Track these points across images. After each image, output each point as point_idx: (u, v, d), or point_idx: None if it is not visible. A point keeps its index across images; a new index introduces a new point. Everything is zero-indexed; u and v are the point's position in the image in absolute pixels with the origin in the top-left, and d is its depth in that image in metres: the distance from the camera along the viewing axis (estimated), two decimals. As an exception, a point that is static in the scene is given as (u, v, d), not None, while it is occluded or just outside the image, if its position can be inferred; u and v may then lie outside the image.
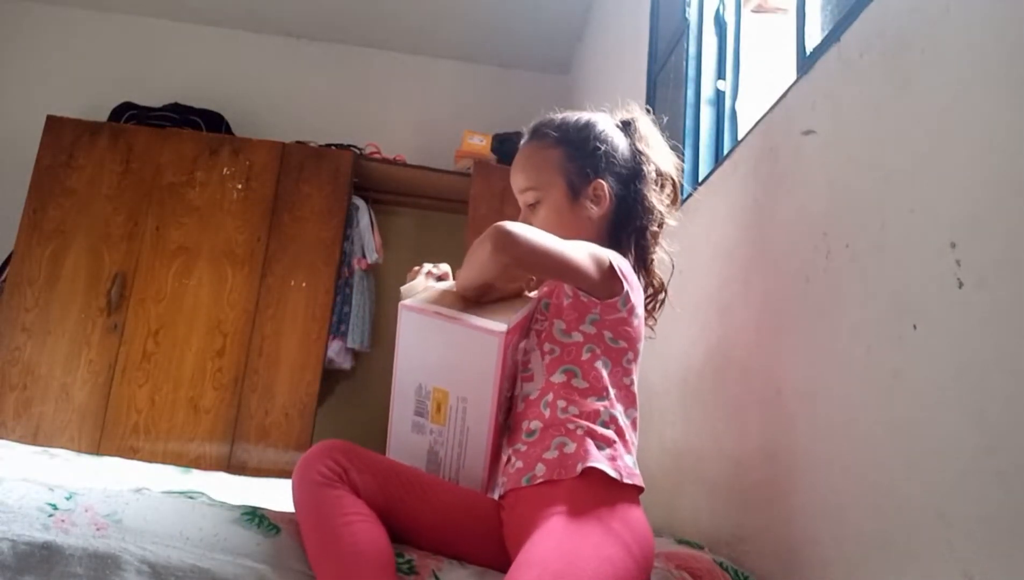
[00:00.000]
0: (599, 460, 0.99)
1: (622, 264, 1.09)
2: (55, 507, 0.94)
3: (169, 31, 3.75)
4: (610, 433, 1.04)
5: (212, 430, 2.89)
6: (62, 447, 2.32)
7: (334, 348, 3.16)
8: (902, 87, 0.92)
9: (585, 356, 1.08)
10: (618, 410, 1.07)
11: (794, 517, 1.06)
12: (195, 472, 1.85)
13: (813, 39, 1.23)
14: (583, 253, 1.04)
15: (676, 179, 1.25)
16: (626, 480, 0.99)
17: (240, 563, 0.91)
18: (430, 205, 3.62)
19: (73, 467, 1.61)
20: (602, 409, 1.05)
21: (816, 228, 1.09)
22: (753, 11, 1.83)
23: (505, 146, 3.22)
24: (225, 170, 3.11)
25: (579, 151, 1.19)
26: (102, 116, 3.33)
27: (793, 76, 1.25)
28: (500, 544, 1.04)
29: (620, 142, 1.21)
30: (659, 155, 1.23)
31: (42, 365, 2.88)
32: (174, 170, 3.09)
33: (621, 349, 1.09)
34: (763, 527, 1.15)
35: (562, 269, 1.03)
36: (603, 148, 1.19)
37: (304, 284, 3.02)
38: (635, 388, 1.12)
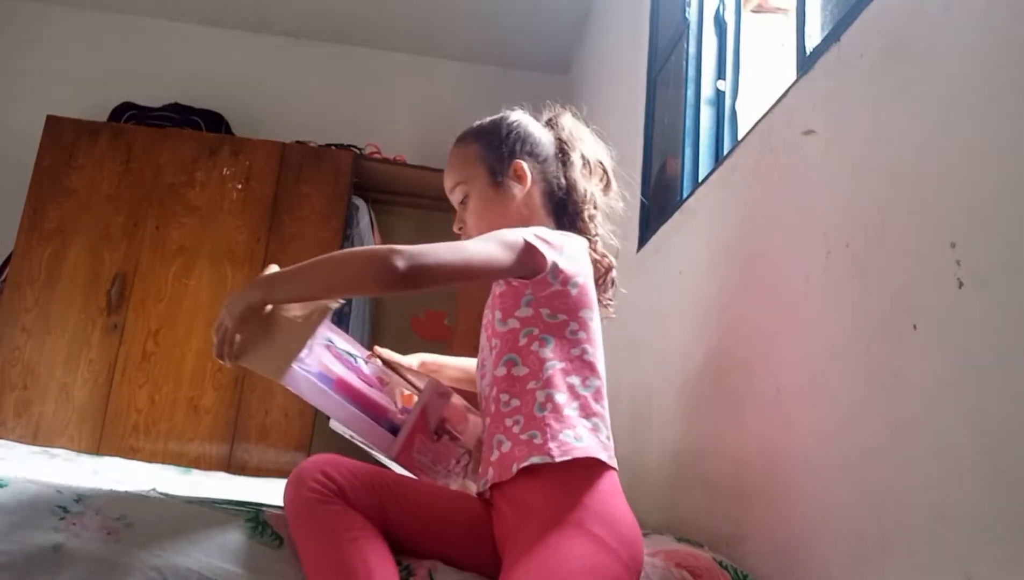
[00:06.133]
0: (530, 455, 0.99)
1: (543, 235, 1.08)
2: (65, 510, 0.94)
3: (169, 31, 3.75)
4: (544, 415, 1.02)
5: (212, 430, 2.89)
6: (62, 447, 2.32)
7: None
8: (902, 87, 0.92)
9: (522, 341, 1.07)
10: (559, 385, 1.04)
11: (794, 517, 1.06)
12: (195, 472, 1.85)
13: (813, 39, 1.23)
14: (487, 244, 1.04)
15: (606, 164, 1.29)
16: (558, 459, 0.97)
17: (245, 575, 0.92)
18: (430, 205, 3.62)
19: (73, 467, 1.62)
20: (538, 392, 1.04)
21: (816, 228, 1.09)
22: (753, 11, 1.83)
23: (505, 146, 3.22)
24: (225, 170, 3.11)
25: (494, 140, 1.24)
26: (102, 116, 3.33)
27: (793, 76, 1.25)
28: (494, 547, 1.04)
29: (538, 132, 1.27)
30: (584, 143, 1.28)
31: (42, 365, 2.88)
32: (174, 170, 3.09)
33: (561, 322, 1.08)
34: (763, 527, 1.15)
35: (468, 272, 1.03)
36: (517, 132, 1.25)
37: (304, 284, 3.02)
38: (593, 356, 1.10)
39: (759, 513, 1.17)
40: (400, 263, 0.95)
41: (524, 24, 3.51)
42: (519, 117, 1.29)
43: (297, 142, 3.26)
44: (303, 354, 1.03)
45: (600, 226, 1.24)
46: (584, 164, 1.26)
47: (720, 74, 1.82)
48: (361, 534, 0.93)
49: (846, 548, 0.93)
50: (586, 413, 1.04)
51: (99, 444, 2.80)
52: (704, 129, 1.81)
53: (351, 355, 1.17)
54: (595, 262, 1.21)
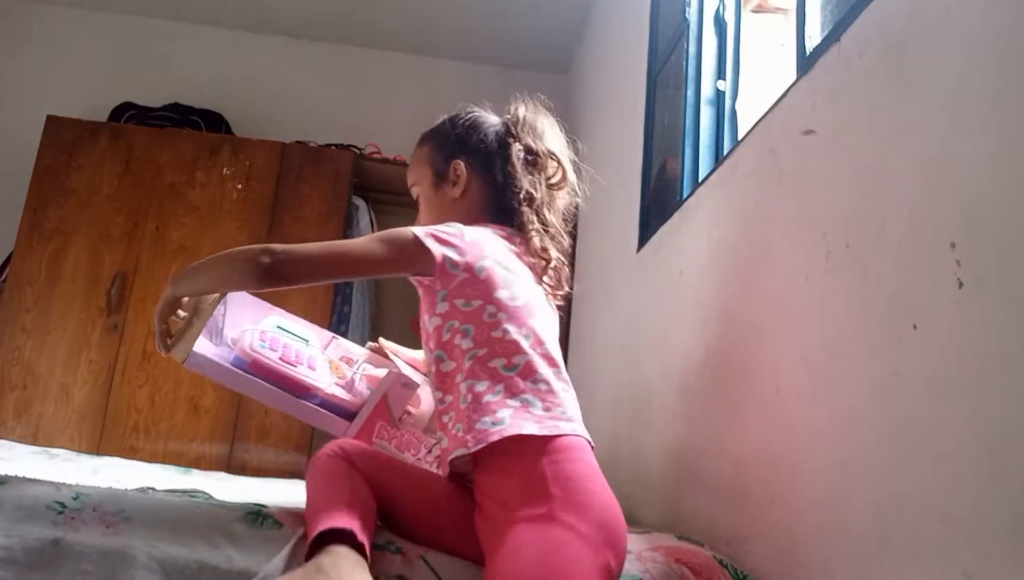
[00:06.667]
0: (456, 449, 1.02)
1: (437, 230, 1.10)
2: (63, 506, 0.95)
3: (169, 31, 3.75)
4: (466, 406, 1.03)
5: (212, 430, 2.89)
6: (62, 447, 2.32)
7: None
8: (902, 87, 0.93)
9: (446, 337, 1.09)
10: (480, 373, 1.05)
11: (794, 517, 1.06)
12: (195, 472, 1.85)
13: (813, 39, 1.23)
14: (367, 241, 1.09)
15: (560, 157, 1.27)
16: (473, 448, 0.98)
17: (246, 560, 0.92)
18: (430, 205, 3.62)
19: (73, 467, 1.62)
20: (462, 385, 1.06)
21: (816, 228, 1.09)
22: (753, 11, 1.83)
23: (505, 146, 3.22)
24: (225, 170, 3.11)
25: (439, 140, 1.29)
26: (102, 116, 3.33)
27: (793, 76, 1.25)
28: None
29: (485, 127, 1.27)
30: (534, 135, 1.26)
31: (42, 365, 2.88)
32: (174, 170, 3.09)
33: (478, 308, 1.08)
34: (763, 527, 1.15)
35: (341, 267, 1.09)
36: (459, 131, 1.27)
37: (304, 284, 3.02)
38: (518, 333, 1.07)
39: (759, 513, 1.17)
40: (266, 259, 1.02)
41: (524, 24, 3.52)
42: (466, 115, 1.30)
43: (297, 142, 3.26)
44: (216, 340, 1.13)
45: (542, 222, 1.21)
46: (527, 157, 1.24)
47: (720, 74, 1.82)
48: (352, 477, 1.00)
49: (846, 548, 0.93)
50: (513, 392, 1.03)
51: (99, 444, 2.80)
52: (704, 129, 1.81)
53: (302, 339, 1.23)
54: (535, 257, 1.19)
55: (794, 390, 1.11)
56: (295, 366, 1.17)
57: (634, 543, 1.15)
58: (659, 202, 2.02)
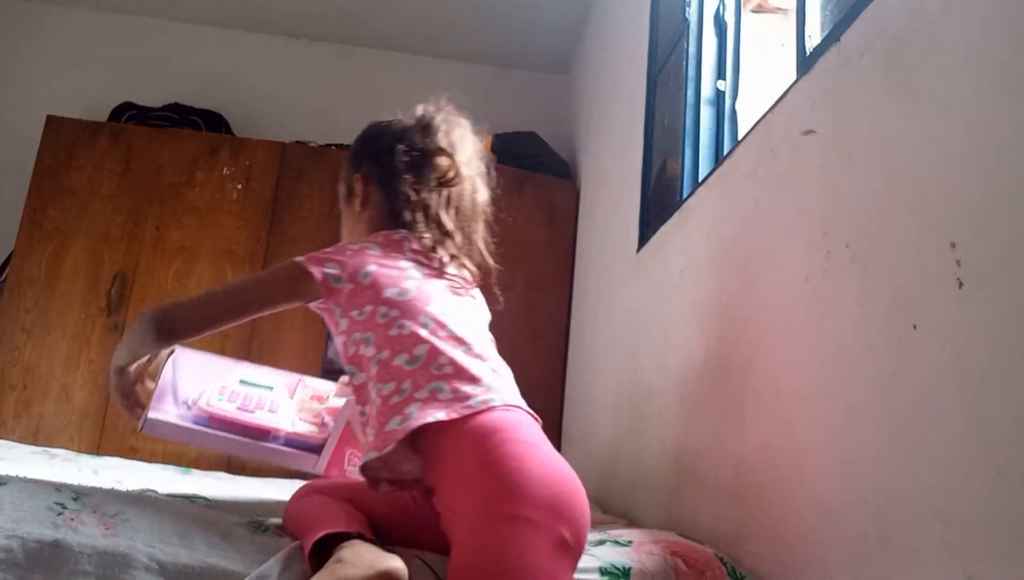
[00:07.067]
0: (369, 452, 1.02)
1: (320, 252, 1.13)
2: (64, 507, 0.95)
3: (169, 31, 3.75)
4: (376, 412, 1.03)
5: (212, 430, 2.89)
6: (62, 447, 2.32)
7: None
8: (902, 87, 0.93)
9: (351, 350, 1.10)
10: (384, 375, 1.04)
11: (794, 517, 1.06)
12: (195, 472, 1.85)
13: (813, 39, 1.23)
14: (252, 279, 1.13)
15: (449, 151, 1.24)
16: (384, 451, 0.98)
17: (247, 562, 0.93)
18: (430, 205, 3.62)
19: (73, 467, 1.62)
20: (372, 392, 1.06)
21: (816, 228, 1.09)
22: (753, 11, 1.83)
23: (505, 146, 3.21)
24: (225, 170, 3.11)
25: (349, 156, 1.32)
26: (102, 116, 3.32)
27: (793, 76, 1.25)
28: None
29: (383, 135, 1.27)
30: (426, 135, 1.25)
31: (42, 365, 2.88)
32: (174, 170, 3.08)
33: (370, 313, 1.08)
34: (763, 527, 1.15)
35: (231, 309, 1.11)
36: (362, 144, 1.31)
37: (304, 284, 3.02)
38: (415, 324, 1.07)
39: (759, 513, 1.17)
40: (158, 318, 1.07)
41: (524, 24, 3.51)
42: (371, 127, 1.31)
43: (297, 142, 3.25)
44: (175, 401, 1.17)
45: (434, 221, 1.20)
46: (410, 160, 1.22)
47: (720, 74, 1.82)
48: (334, 500, 1.05)
49: (846, 548, 0.93)
50: (419, 385, 1.01)
51: (99, 444, 2.80)
52: (704, 129, 1.81)
53: (266, 387, 1.27)
54: (421, 256, 1.17)
55: (794, 390, 1.11)
56: (253, 412, 1.19)
57: (636, 535, 1.17)
58: (659, 202, 2.02)
